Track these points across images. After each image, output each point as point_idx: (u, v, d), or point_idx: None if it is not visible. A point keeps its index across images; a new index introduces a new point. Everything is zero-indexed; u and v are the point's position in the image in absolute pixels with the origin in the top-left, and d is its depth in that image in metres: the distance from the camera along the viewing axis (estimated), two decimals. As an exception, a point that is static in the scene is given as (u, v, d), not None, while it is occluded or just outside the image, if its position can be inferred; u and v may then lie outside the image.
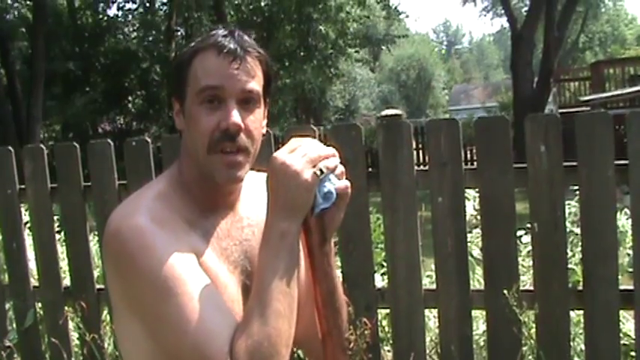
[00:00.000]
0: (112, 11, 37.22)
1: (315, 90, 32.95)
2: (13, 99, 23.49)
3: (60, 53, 26.56)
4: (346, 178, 1.59)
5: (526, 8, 30.62)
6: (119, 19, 29.65)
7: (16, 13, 25.59)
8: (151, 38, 27.38)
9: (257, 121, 1.66)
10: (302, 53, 26.83)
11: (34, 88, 22.22)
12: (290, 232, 1.52)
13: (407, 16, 30.17)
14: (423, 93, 68.80)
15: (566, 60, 49.17)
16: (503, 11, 30.09)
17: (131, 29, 29.53)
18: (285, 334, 1.48)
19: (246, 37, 1.66)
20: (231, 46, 1.62)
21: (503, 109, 32.83)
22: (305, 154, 1.51)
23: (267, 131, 1.83)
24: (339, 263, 3.74)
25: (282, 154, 1.51)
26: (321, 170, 1.51)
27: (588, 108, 18.47)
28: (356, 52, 29.38)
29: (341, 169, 1.57)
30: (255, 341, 1.44)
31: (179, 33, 28.72)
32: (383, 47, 30.43)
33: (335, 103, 45.62)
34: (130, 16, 29.64)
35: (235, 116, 1.59)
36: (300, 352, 2.74)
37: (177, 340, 1.49)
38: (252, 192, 1.80)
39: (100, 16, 29.34)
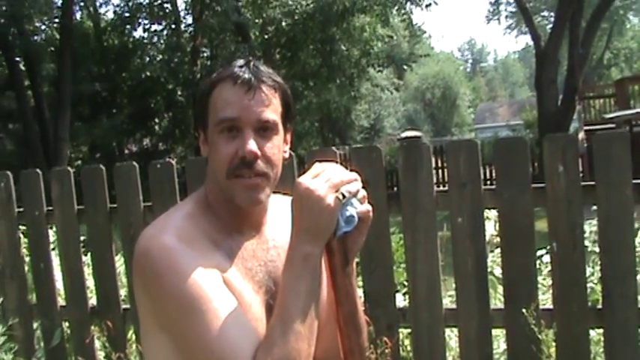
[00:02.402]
0: (138, 33, 37.49)
1: (340, 109, 33.03)
2: (41, 121, 23.82)
3: (87, 75, 26.86)
4: (368, 201, 1.64)
5: (550, 25, 30.57)
6: (145, 40, 29.92)
7: (43, 35, 25.87)
8: (176, 60, 27.58)
9: (275, 147, 1.71)
10: (325, 73, 26.88)
11: (61, 109, 22.54)
12: (313, 254, 1.57)
13: (430, 36, 29.95)
14: (449, 111, 68.74)
15: (591, 77, 48.97)
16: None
17: (157, 51, 29.78)
18: (304, 354, 1.53)
19: (262, 67, 1.73)
20: (246, 76, 1.68)
21: (528, 127, 32.69)
22: (328, 179, 1.57)
23: (290, 154, 1.88)
24: (360, 283, 3.79)
25: (306, 180, 1.57)
26: (343, 195, 1.56)
27: (613, 125, 18.41)
28: (379, 71, 29.32)
29: (363, 193, 1.62)
30: None
31: (205, 54, 28.93)
32: (405, 67, 30.34)
33: (360, 122, 45.69)
34: (156, 38, 29.89)
35: (251, 145, 1.66)
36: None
37: (202, 356, 1.55)
38: (279, 215, 1.85)
39: (126, 38, 29.63)
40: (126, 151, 30.26)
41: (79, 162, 26.68)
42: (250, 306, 1.69)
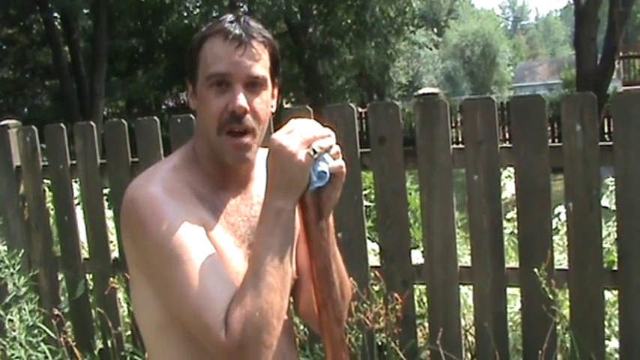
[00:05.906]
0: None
1: (378, 66, 32.79)
2: (77, 76, 23.98)
3: (123, 30, 26.91)
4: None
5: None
6: (183, -5, 29.87)
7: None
8: (214, 14, 27.52)
9: (263, 102, 1.74)
10: (360, 30, 26.67)
11: (96, 65, 22.68)
12: (285, 209, 1.59)
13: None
14: (488, 69, 68.11)
15: (635, 36, 48.08)
16: (568, -14, 29.52)
17: (194, 5, 29.75)
18: (276, 306, 1.56)
19: (252, 23, 1.74)
20: (237, 32, 1.70)
21: (566, 86, 32.32)
22: (301, 135, 1.57)
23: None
24: (376, 239, 3.80)
25: (279, 136, 1.58)
26: (314, 150, 1.57)
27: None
28: (411, 32, 28.97)
29: (336, 149, 1.63)
30: (248, 312, 1.52)
31: (242, 9, 28.83)
32: (438, 27, 30.16)
33: (398, 79, 45.42)
34: (193, -8, 29.84)
35: (241, 99, 1.68)
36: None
37: (179, 305, 1.59)
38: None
39: (164, -7, 29.58)
40: (163, 106, 30.37)
41: (116, 117, 26.88)
42: (231, 260, 1.72)
